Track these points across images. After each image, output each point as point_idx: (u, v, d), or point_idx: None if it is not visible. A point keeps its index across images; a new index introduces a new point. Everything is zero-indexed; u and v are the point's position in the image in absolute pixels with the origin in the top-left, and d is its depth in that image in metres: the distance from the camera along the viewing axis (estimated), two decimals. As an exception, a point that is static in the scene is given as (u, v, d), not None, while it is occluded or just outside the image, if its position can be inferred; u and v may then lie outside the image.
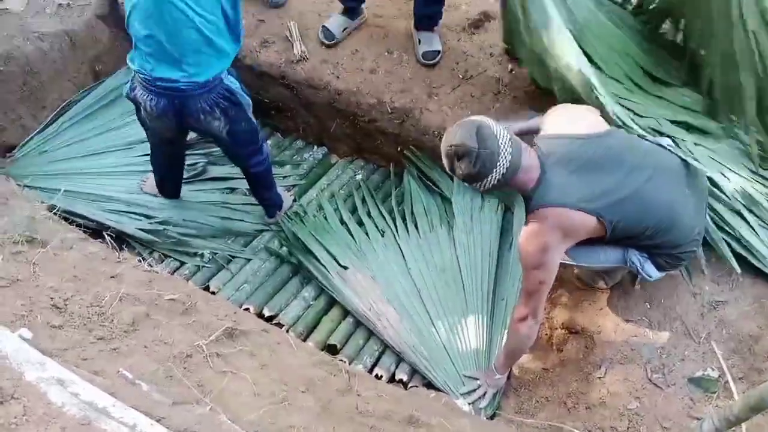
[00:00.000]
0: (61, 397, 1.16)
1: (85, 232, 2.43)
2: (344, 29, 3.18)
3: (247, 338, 1.93)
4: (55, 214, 2.35)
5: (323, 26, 3.18)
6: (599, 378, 2.18)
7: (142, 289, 1.94)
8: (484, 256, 2.67)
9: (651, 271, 2.13)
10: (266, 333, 2.04)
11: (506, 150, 1.84)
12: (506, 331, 2.38)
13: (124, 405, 1.25)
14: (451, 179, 2.89)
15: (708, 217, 2.29)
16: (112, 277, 1.96)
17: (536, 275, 1.98)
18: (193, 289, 2.13)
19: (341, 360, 2.33)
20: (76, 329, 1.67)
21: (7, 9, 3.16)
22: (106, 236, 2.45)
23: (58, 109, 3.12)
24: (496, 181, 1.88)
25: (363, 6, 3.23)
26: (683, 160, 2.16)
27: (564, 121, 2.06)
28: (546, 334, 2.46)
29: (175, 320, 1.88)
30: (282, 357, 1.95)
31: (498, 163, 1.84)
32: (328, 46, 3.17)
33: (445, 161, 1.92)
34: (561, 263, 2.04)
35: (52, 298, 1.75)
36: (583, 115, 2.09)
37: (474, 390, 2.29)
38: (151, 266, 2.22)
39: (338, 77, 3.11)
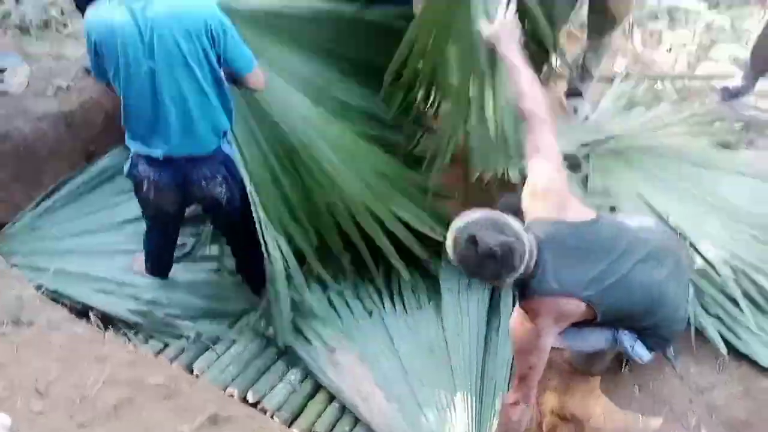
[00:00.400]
0: (39, 489, 1.13)
1: (71, 311, 2.42)
2: None
3: (231, 424, 1.90)
4: (42, 293, 2.34)
5: None
6: (590, 466, 2.15)
7: (127, 371, 1.92)
8: (471, 334, 2.65)
9: (642, 352, 2.13)
10: (251, 419, 2.01)
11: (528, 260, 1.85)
12: (496, 417, 2.34)
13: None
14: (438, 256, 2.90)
15: (695, 299, 2.33)
16: (97, 358, 1.94)
17: (528, 359, 1.98)
18: (177, 373, 2.11)
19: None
20: (57, 415, 1.65)
21: (7, 92, 3.25)
22: (91, 316, 2.43)
23: (50, 188, 3.16)
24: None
25: None
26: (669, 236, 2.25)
27: (552, 207, 2.03)
28: (536, 421, 2.42)
29: (159, 404, 1.85)
30: (267, 444, 1.91)
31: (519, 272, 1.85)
32: None
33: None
34: (552, 347, 2.04)
35: (36, 380, 1.73)
36: (569, 202, 2.07)
37: None
38: (136, 347, 2.20)
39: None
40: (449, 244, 1.87)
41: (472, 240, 1.80)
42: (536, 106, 2.10)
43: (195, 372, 2.62)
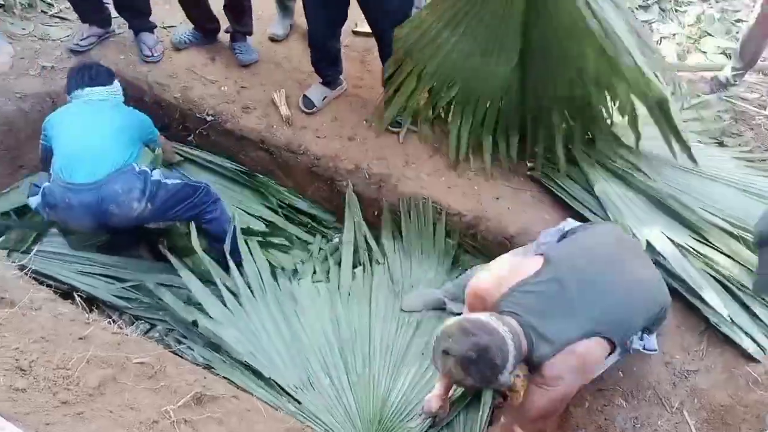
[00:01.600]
0: (19, 462, 1.12)
1: (55, 292, 2.39)
2: (324, 98, 3.27)
3: (216, 404, 1.89)
4: (25, 274, 2.31)
5: (304, 95, 3.27)
6: (574, 448, 2.16)
7: (111, 351, 1.90)
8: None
9: (652, 343, 2.14)
10: (236, 399, 2.00)
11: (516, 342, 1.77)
12: None
13: (86, 473, 1.21)
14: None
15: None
16: (81, 338, 1.91)
17: (547, 421, 1.97)
18: (162, 353, 2.09)
19: (310, 428, 2.28)
20: (40, 392, 1.62)
21: (-9, 70, 3.21)
22: (76, 297, 2.41)
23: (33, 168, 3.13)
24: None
25: (342, 77, 3.33)
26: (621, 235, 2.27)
27: (508, 281, 1.99)
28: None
29: (143, 384, 1.83)
30: (251, 425, 1.90)
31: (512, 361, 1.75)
32: (308, 114, 3.25)
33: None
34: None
35: (17, 360, 1.70)
36: (519, 266, 2.03)
37: None
38: (121, 329, 2.18)
39: (317, 143, 3.18)
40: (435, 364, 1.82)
41: (445, 353, 1.75)
42: None
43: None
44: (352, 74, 3.45)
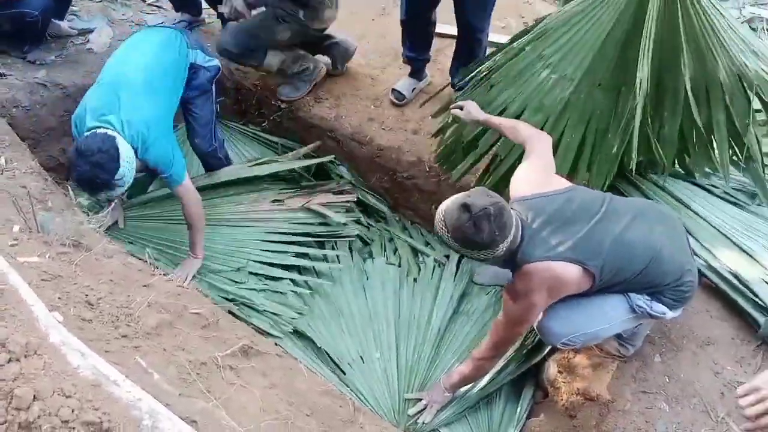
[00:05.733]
0: (78, 361, 1.24)
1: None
2: (413, 89, 3.38)
3: (261, 359, 1.99)
4: (101, 228, 2.51)
5: (393, 89, 3.37)
6: (610, 447, 2.13)
7: (171, 300, 2.04)
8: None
9: (661, 308, 2.09)
10: (280, 358, 2.10)
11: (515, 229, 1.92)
12: (467, 360, 2.38)
13: (134, 384, 1.32)
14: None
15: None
16: (145, 285, 2.06)
17: (515, 330, 2.12)
18: (217, 309, 2.22)
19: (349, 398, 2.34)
20: (103, 325, 1.77)
21: (91, 49, 3.49)
22: (147, 252, 2.58)
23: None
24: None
25: (427, 70, 3.41)
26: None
27: (533, 187, 2.10)
28: (561, 400, 2.42)
29: (197, 332, 1.96)
30: (292, 381, 1.99)
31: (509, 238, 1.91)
32: (398, 105, 3.35)
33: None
34: (583, 346, 2.20)
35: (86, 295, 1.85)
36: (551, 180, 2.14)
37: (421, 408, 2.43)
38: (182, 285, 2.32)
39: (382, 135, 3.27)
40: (439, 222, 1.92)
41: (465, 206, 1.86)
42: (530, 130, 2.33)
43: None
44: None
